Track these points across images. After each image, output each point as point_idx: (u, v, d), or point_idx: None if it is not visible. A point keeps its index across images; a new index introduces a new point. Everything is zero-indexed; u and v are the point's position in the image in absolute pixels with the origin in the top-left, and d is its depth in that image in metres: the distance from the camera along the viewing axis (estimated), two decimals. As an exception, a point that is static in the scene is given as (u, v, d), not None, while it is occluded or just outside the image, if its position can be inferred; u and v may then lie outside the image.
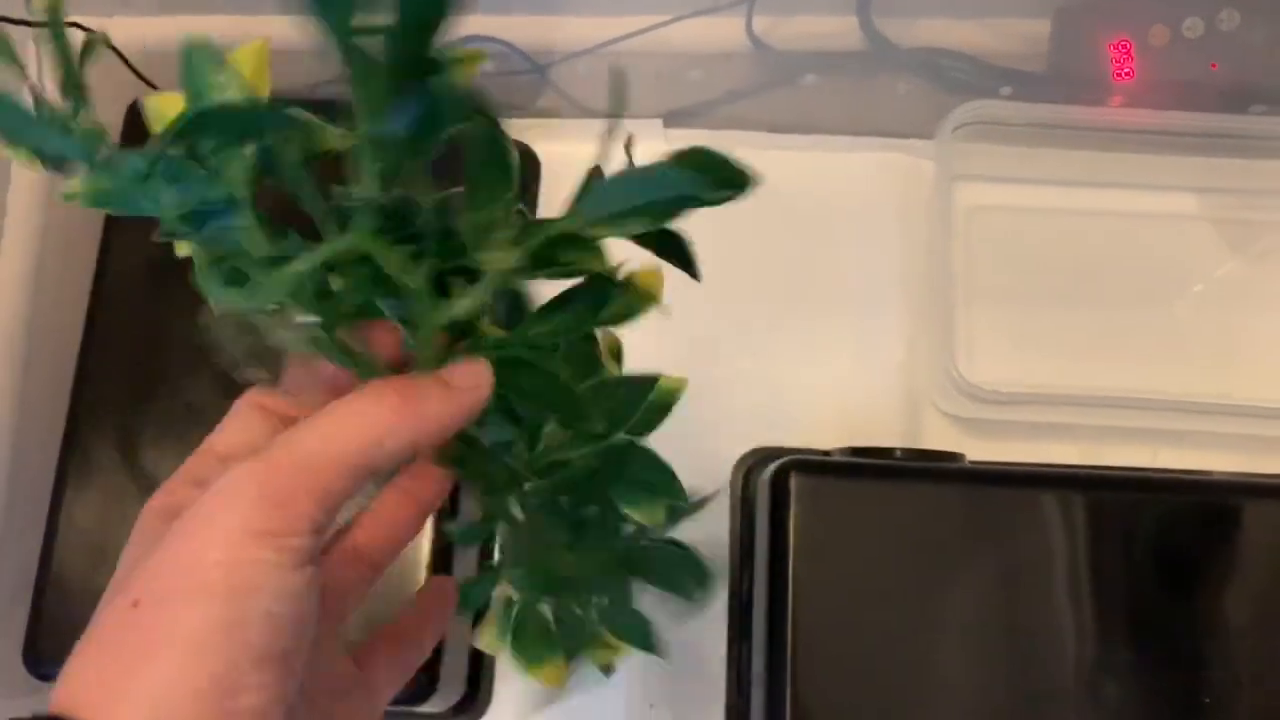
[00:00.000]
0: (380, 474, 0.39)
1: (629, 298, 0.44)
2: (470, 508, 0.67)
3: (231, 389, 0.45)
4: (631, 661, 0.76)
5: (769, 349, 0.82)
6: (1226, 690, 0.62)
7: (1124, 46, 0.81)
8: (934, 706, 0.62)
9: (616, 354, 0.53)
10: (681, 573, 0.59)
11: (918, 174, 0.86)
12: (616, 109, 0.40)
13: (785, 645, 0.62)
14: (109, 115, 0.85)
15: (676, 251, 0.42)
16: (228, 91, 0.39)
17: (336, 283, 0.41)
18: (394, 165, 0.38)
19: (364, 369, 0.42)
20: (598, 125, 0.82)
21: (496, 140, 0.42)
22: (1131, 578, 0.64)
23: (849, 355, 0.82)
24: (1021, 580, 0.64)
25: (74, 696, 0.35)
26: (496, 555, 0.62)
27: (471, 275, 0.41)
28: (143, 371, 0.77)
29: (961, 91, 0.84)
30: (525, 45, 0.84)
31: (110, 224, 0.82)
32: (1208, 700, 0.62)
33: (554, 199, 0.52)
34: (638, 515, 0.51)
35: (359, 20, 0.33)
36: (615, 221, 0.40)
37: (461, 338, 0.43)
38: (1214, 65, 0.80)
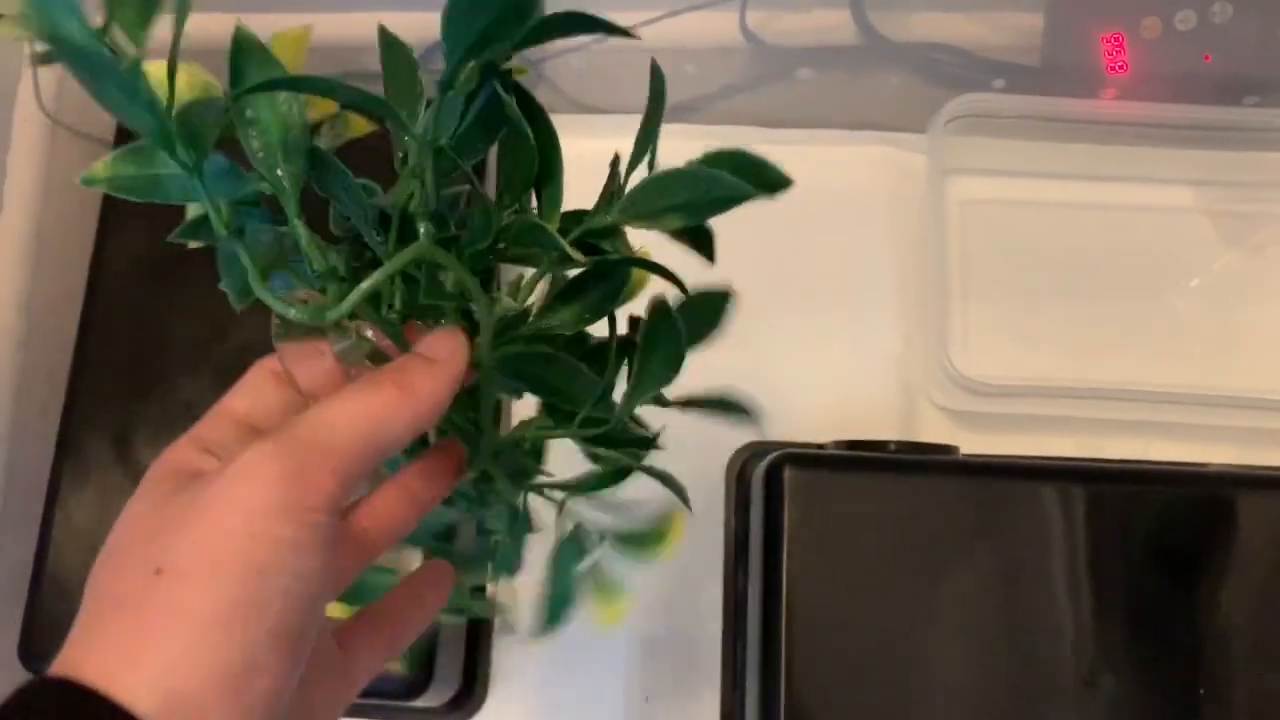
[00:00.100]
0: (389, 455, 0.40)
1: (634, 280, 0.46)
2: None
3: (227, 386, 0.45)
4: (628, 656, 0.76)
5: (764, 343, 0.82)
6: (1221, 681, 0.62)
7: (1117, 39, 0.81)
8: (928, 699, 0.62)
9: None
10: None
11: (911, 168, 0.86)
12: (656, 107, 0.42)
13: (779, 638, 0.62)
14: (104, 113, 0.85)
15: (703, 243, 0.44)
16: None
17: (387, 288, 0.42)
18: (451, 168, 0.40)
19: None
20: (593, 121, 0.83)
21: (551, 137, 0.43)
22: (1126, 570, 0.64)
23: (844, 349, 0.83)
24: (1015, 573, 0.64)
25: (84, 659, 0.34)
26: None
27: (486, 272, 0.43)
28: (138, 369, 0.77)
29: (955, 85, 0.84)
30: (519, 41, 0.84)
31: (105, 221, 0.82)
32: (1203, 691, 0.62)
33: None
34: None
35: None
36: (655, 217, 0.41)
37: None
38: (1207, 57, 0.81)
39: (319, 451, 0.38)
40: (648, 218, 0.42)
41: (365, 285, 0.39)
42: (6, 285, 0.82)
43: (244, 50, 0.39)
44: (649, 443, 0.50)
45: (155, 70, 0.36)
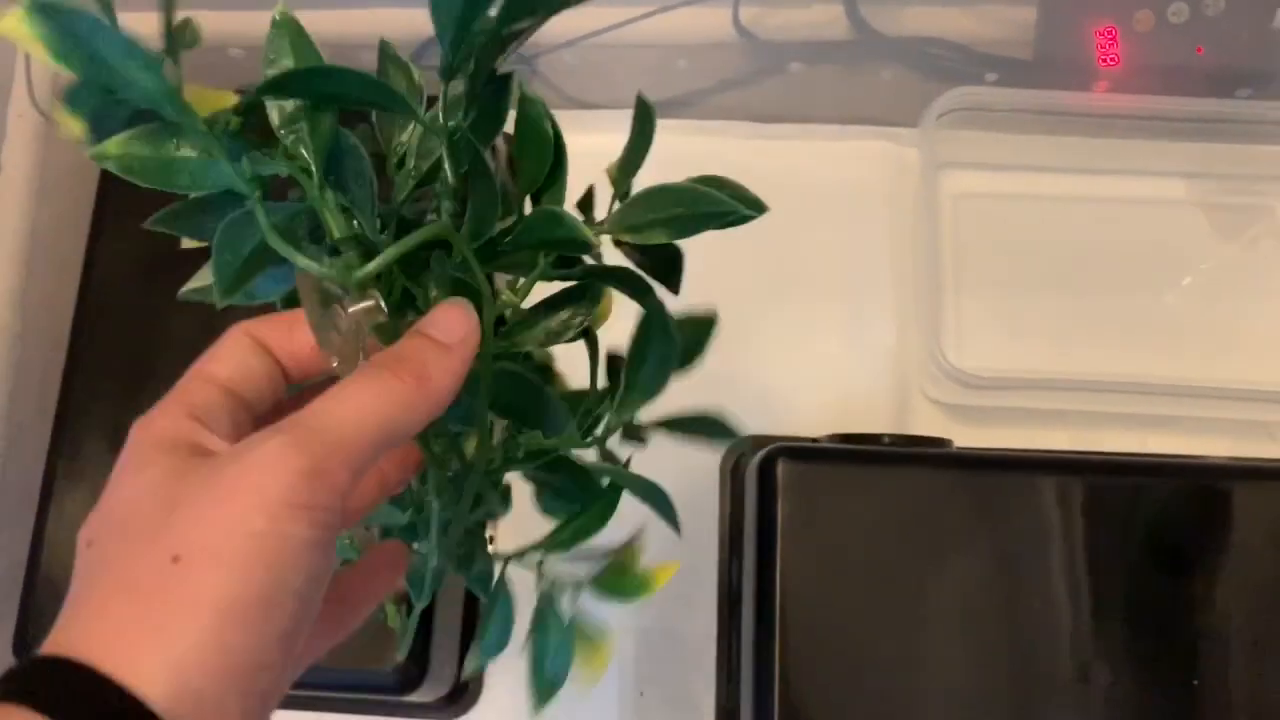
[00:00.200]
0: (397, 445, 0.40)
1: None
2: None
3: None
4: (623, 650, 0.76)
5: (757, 337, 0.82)
6: (1214, 673, 0.63)
7: (1109, 32, 0.81)
8: (921, 691, 0.62)
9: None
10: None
11: (905, 162, 0.86)
12: (643, 141, 0.44)
13: (773, 630, 0.62)
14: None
15: (671, 269, 0.45)
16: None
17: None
18: (470, 157, 0.40)
19: None
20: (586, 116, 0.83)
21: (561, 141, 0.44)
22: (1119, 562, 0.64)
23: (837, 343, 0.83)
24: (1008, 565, 0.64)
25: (88, 640, 0.33)
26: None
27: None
28: (132, 366, 0.77)
29: (948, 79, 0.84)
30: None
31: (99, 219, 0.82)
32: (1196, 683, 0.62)
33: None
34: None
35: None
36: (642, 230, 0.42)
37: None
38: (1199, 50, 0.81)
39: (337, 447, 0.37)
40: (635, 230, 0.42)
41: (392, 251, 0.39)
42: (1, 283, 0.82)
43: (282, 31, 0.39)
44: (615, 491, 0.49)
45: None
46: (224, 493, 0.35)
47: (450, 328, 0.40)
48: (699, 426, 0.49)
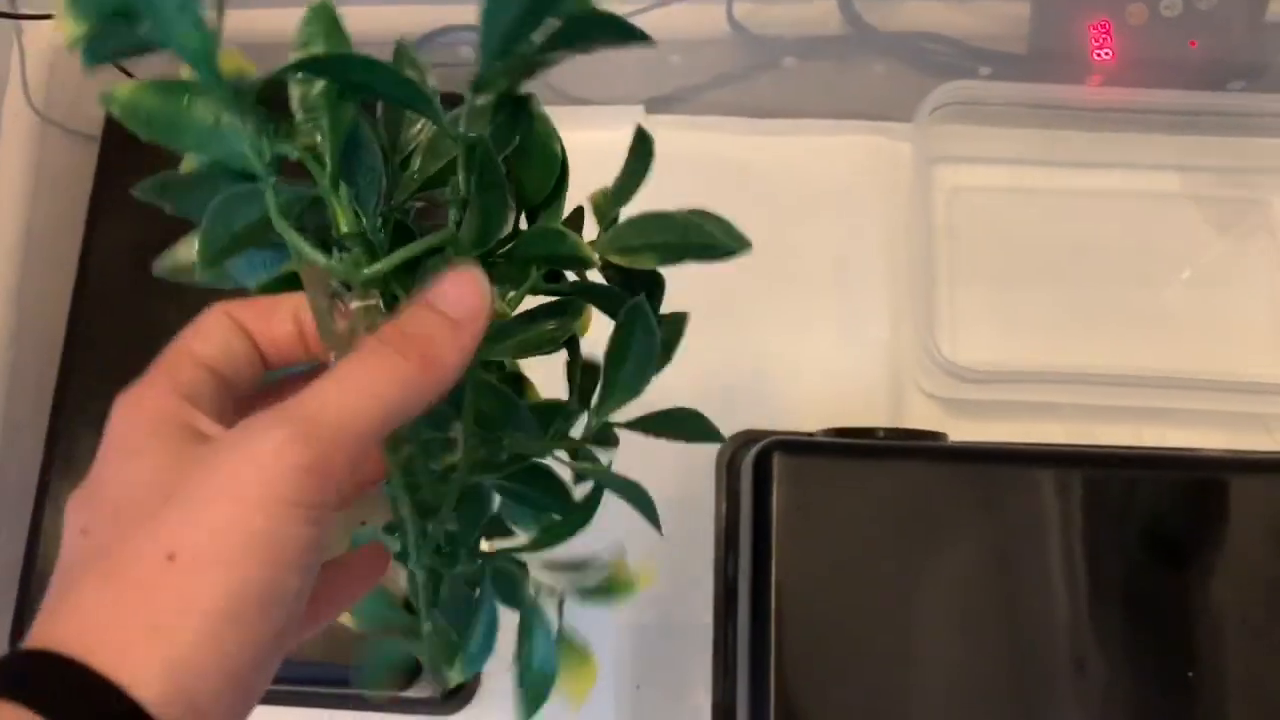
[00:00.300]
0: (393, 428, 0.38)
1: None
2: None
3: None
4: (620, 645, 0.76)
5: (753, 332, 0.82)
6: (1209, 664, 0.63)
7: (1103, 26, 0.81)
8: (917, 684, 0.62)
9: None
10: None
11: (899, 156, 0.86)
12: (641, 166, 0.44)
13: (768, 624, 0.62)
14: (93, 110, 0.85)
15: (654, 289, 0.45)
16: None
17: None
18: (485, 168, 0.39)
19: None
20: (580, 112, 0.83)
21: (564, 160, 0.44)
22: (1114, 554, 0.64)
23: (832, 337, 0.83)
24: (1003, 558, 0.64)
25: (82, 636, 0.32)
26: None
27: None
28: (127, 363, 0.76)
29: (942, 74, 0.84)
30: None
31: (94, 217, 0.82)
32: (1191, 674, 0.63)
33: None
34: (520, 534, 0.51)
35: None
36: (633, 253, 0.42)
37: None
38: (1193, 43, 0.81)
39: (341, 440, 0.35)
40: (626, 253, 0.42)
41: (403, 252, 0.39)
42: (-4, 282, 0.82)
43: (318, 16, 0.39)
44: (596, 494, 0.49)
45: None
46: (223, 488, 0.34)
47: (461, 301, 0.38)
48: (672, 424, 0.48)
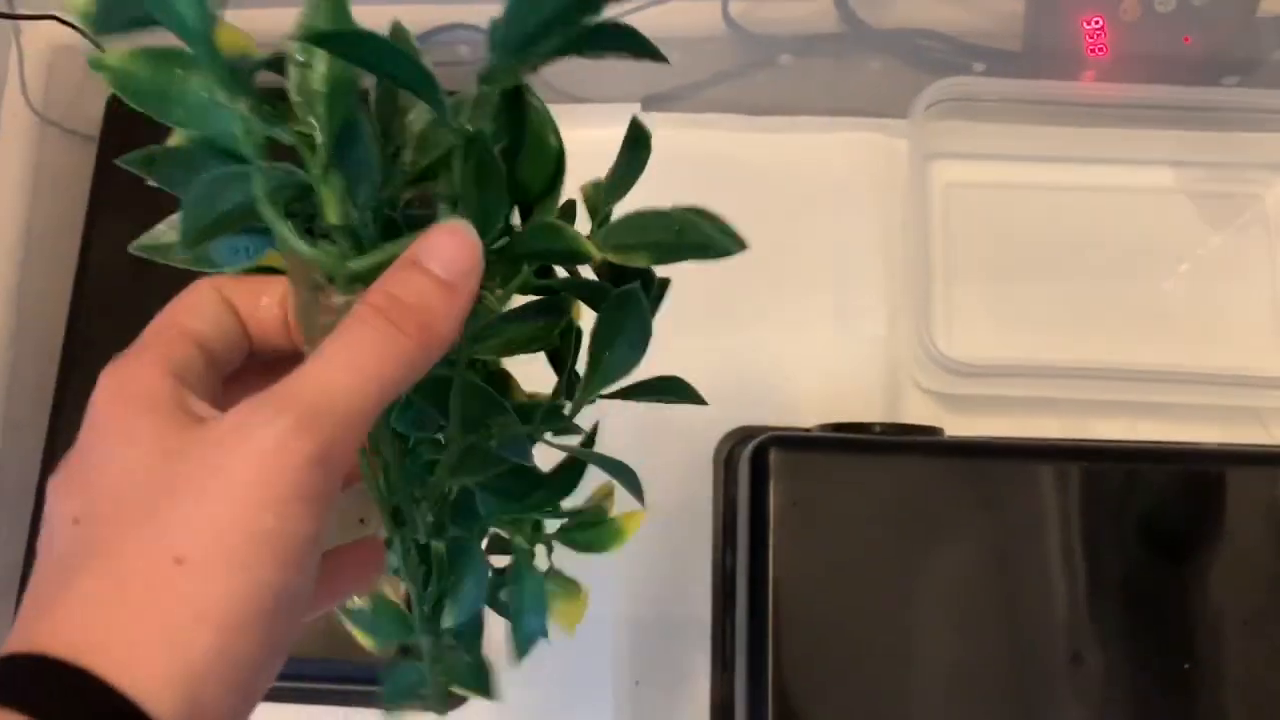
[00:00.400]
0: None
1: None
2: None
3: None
4: (618, 640, 0.76)
5: (750, 329, 0.82)
6: (1205, 657, 0.63)
7: (1097, 22, 0.81)
8: (914, 678, 0.63)
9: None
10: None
11: (895, 152, 0.86)
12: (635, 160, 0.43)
13: (766, 619, 0.63)
14: (91, 109, 0.85)
15: (648, 288, 0.44)
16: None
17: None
18: (483, 162, 0.39)
19: None
20: (577, 111, 0.83)
21: (560, 152, 0.43)
22: (1110, 548, 0.64)
23: (829, 333, 0.83)
24: (999, 552, 0.64)
25: (87, 643, 0.31)
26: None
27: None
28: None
29: (937, 70, 0.84)
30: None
31: (92, 216, 0.82)
32: (1187, 666, 0.63)
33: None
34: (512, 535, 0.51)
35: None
36: (627, 251, 0.41)
37: None
38: (1186, 39, 0.81)
39: (345, 427, 0.34)
40: (621, 251, 0.41)
41: (392, 246, 0.37)
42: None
43: (322, 3, 0.37)
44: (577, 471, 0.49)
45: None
46: (228, 486, 0.33)
47: (456, 260, 0.36)
48: (655, 390, 0.47)
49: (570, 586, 0.53)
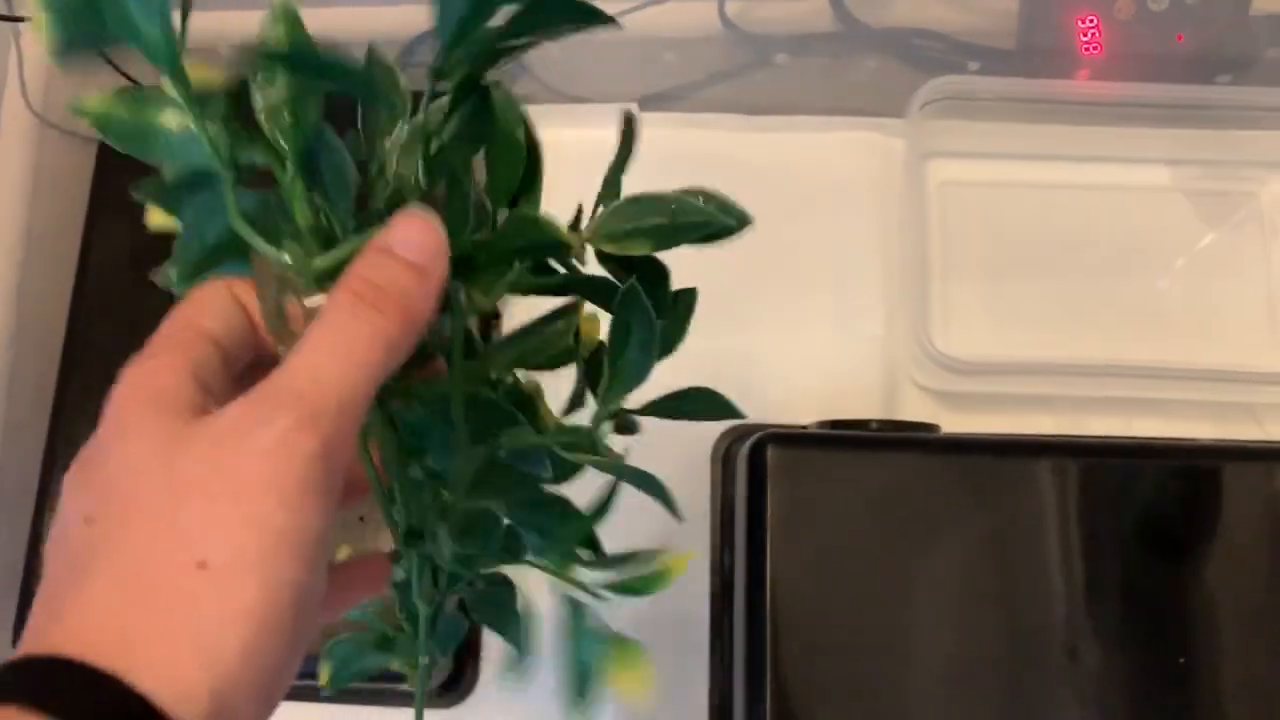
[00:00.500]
0: None
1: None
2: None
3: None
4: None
5: (748, 327, 0.82)
6: (1200, 652, 0.63)
7: (1091, 21, 0.82)
8: (912, 675, 0.63)
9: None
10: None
11: (891, 151, 0.86)
12: (624, 155, 0.42)
13: (764, 616, 0.63)
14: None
15: (657, 280, 0.43)
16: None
17: None
18: (460, 162, 0.39)
19: None
20: (575, 110, 0.83)
21: (536, 147, 0.43)
22: (1107, 544, 0.65)
23: (827, 331, 0.83)
24: (996, 549, 0.64)
25: (109, 646, 0.31)
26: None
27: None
28: (130, 358, 0.77)
29: (932, 69, 0.84)
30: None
31: (92, 218, 0.82)
32: (1182, 661, 0.63)
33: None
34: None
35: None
36: (623, 239, 0.41)
37: (432, 357, 0.42)
38: (1180, 37, 0.81)
39: (344, 417, 0.34)
40: (616, 240, 0.41)
41: (349, 245, 0.37)
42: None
43: (279, 18, 0.37)
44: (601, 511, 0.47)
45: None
46: (238, 485, 0.33)
47: (420, 243, 0.36)
48: (690, 405, 0.47)
49: (629, 651, 0.51)
